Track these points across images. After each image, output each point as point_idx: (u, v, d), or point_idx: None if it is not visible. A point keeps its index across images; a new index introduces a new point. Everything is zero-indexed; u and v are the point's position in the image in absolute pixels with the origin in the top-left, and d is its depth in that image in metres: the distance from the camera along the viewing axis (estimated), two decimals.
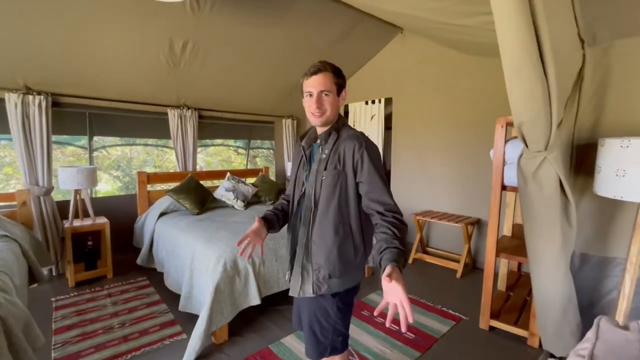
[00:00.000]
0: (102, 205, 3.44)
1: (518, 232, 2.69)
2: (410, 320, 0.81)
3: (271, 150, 5.39)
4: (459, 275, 3.22)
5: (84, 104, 3.24)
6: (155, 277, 3.00)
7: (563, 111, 1.60)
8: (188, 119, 3.87)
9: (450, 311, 2.54)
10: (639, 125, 1.67)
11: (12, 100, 2.75)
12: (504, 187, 2.17)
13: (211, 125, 4.32)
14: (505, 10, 1.19)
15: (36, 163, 2.90)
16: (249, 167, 5.09)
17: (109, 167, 4.69)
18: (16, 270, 1.94)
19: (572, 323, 1.71)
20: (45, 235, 2.99)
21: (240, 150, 5.58)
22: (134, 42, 2.83)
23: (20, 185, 3.21)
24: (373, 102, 4.29)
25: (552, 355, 1.84)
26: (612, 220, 1.76)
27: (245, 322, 2.31)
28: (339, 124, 1.25)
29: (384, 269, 0.94)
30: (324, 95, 1.17)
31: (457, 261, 3.36)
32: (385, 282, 0.88)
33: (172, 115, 3.77)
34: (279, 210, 1.39)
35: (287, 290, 1.30)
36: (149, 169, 4.99)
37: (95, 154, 3.73)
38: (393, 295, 0.86)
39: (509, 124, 2.13)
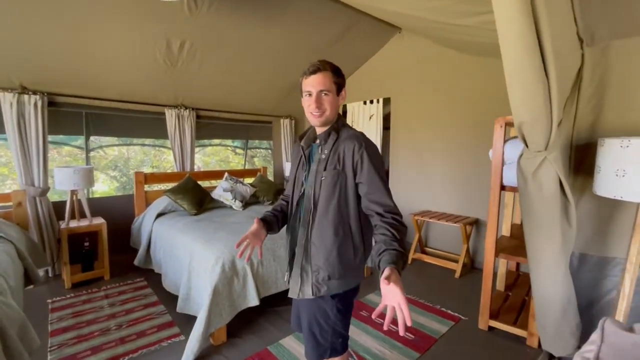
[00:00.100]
0: (99, 206, 3.41)
1: (517, 232, 2.69)
2: (409, 324, 0.81)
3: (269, 150, 5.38)
4: (457, 275, 3.22)
5: (81, 103, 3.21)
6: (152, 278, 2.98)
7: (562, 111, 1.59)
8: (186, 119, 3.85)
9: (449, 311, 2.53)
10: (638, 125, 1.67)
11: (8, 100, 2.72)
12: (503, 187, 2.17)
13: (209, 125, 4.30)
14: (506, 10, 1.18)
15: (32, 163, 2.87)
16: (247, 167, 5.07)
17: (106, 167, 4.65)
18: (11, 271, 1.92)
19: (571, 323, 1.71)
20: (41, 236, 2.96)
21: (238, 150, 5.55)
22: (131, 41, 2.81)
23: (15, 186, 3.18)
24: (371, 102, 4.28)
25: (551, 356, 1.84)
26: (611, 220, 1.76)
27: (243, 323, 2.30)
28: (339, 123, 1.24)
29: (383, 271, 0.93)
30: (323, 94, 1.16)
31: (456, 261, 3.36)
32: (383, 285, 0.87)
33: (170, 115, 3.75)
34: (278, 211, 1.38)
35: (286, 291, 1.29)
36: (147, 169, 4.95)
37: (92, 154, 3.70)
38: (391, 298, 0.85)
39: (508, 124, 2.13)
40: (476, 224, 3.42)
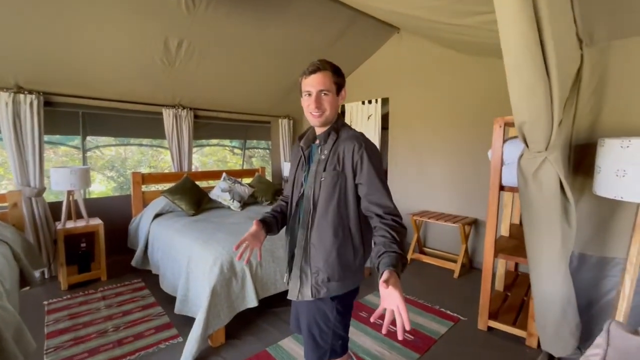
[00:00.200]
0: (96, 206, 3.38)
1: (515, 232, 2.70)
2: (407, 328, 0.79)
3: (267, 151, 5.36)
4: (456, 275, 3.22)
5: (77, 103, 3.18)
6: (150, 279, 2.96)
7: (562, 111, 1.59)
8: (183, 119, 3.83)
9: (448, 312, 2.53)
10: (637, 125, 1.67)
11: (3, 99, 2.69)
12: (502, 188, 2.17)
13: (207, 125, 4.28)
14: (509, 9, 1.17)
15: (28, 163, 2.85)
16: (245, 168, 5.05)
17: (103, 168, 4.62)
18: (7, 273, 1.90)
19: (571, 324, 1.71)
20: (37, 238, 2.94)
21: (236, 150, 5.53)
22: (129, 40, 2.79)
23: (11, 186, 3.15)
24: (370, 102, 4.28)
25: (551, 356, 1.84)
26: (610, 220, 1.76)
27: (242, 324, 2.28)
28: (339, 124, 1.23)
29: (382, 274, 0.92)
30: (323, 94, 1.15)
31: (454, 261, 3.36)
32: (382, 288, 0.86)
33: (167, 115, 3.73)
34: (278, 212, 1.36)
35: (285, 292, 1.28)
36: (144, 170, 4.93)
37: (88, 154, 3.67)
38: (390, 301, 0.84)
39: (507, 124, 2.13)
40: (475, 224, 3.42)
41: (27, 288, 2.53)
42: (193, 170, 4.11)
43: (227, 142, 5.38)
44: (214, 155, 5.65)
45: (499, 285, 2.74)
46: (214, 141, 5.16)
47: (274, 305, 2.50)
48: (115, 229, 3.41)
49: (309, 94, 1.15)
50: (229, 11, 2.80)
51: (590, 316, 1.83)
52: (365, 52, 4.21)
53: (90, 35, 2.63)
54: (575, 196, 1.79)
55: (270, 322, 2.34)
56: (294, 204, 1.28)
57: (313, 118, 1.18)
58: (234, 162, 5.65)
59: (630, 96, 1.69)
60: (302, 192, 1.24)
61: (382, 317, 0.85)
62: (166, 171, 4.42)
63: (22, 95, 2.76)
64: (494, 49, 1.41)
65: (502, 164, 2.15)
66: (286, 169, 4.96)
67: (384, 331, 0.83)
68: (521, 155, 1.68)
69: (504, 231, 2.73)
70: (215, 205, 3.55)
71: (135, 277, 3.09)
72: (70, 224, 2.96)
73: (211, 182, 4.07)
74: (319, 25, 3.34)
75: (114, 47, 2.82)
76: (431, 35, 3.17)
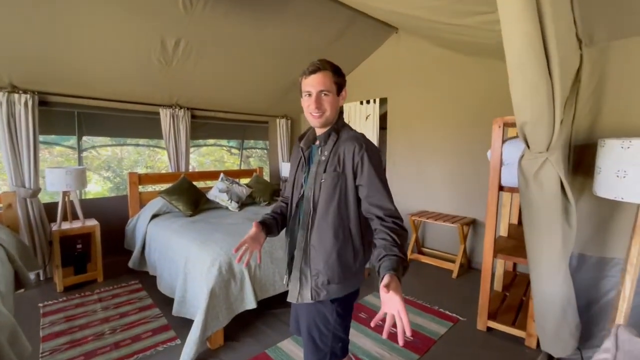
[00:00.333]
0: (92, 207, 3.35)
1: (514, 232, 2.70)
2: (408, 333, 0.79)
3: (265, 151, 5.34)
4: (454, 275, 3.22)
5: (73, 103, 3.15)
6: (147, 280, 2.93)
7: (563, 111, 1.59)
8: (180, 119, 3.80)
9: (447, 312, 2.53)
10: (637, 125, 1.67)
11: None
12: (501, 188, 2.17)
13: (204, 125, 4.25)
14: (512, 9, 1.17)
15: (22, 164, 2.81)
16: (242, 168, 5.03)
17: (99, 168, 4.58)
18: (1, 275, 1.87)
19: (571, 324, 1.71)
20: (32, 239, 2.90)
21: (233, 151, 5.51)
22: (125, 40, 2.76)
23: (5, 187, 3.10)
24: (368, 102, 4.27)
25: (550, 357, 1.84)
26: (609, 221, 1.76)
27: (241, 326, 2.26)
28: (339, 124, 1.22)
29: (382, 278, 0.91)
30: (323, 95, 1.13)
31: (453, 261, 3.36)
32: (382, 292, 0.85)
33: (164, 115, 3.70)
34: (278, 214, 1.35)
35: (284, 294, 1.27)
36: (141, 170, 4.89)
37: (84, 154, 3.64)
38: (391, 306, 0.83)
39: (507, 125, 2.13)
40: (473, 224, 3.42)
41: (22, 290, 2.49)
42: (190, 171, 4.08)
43: (224, 142, 5.36)
44: (211, 156, 5.62)
45: (498, 286, 2.74)
46: (211, 141, 5.13)
47: (273, 306, 2.48)
48: (112, 229, 3.38)
49: (309, 94, 1.14)
50: (226, 11, 2.78)
51: (589, 316, 1.83)
52: (363, 52, 4.20)
53: (86, 34, 2.60)
54: (575, 196, 1.79)
55: (269, 323, 2.33)
56: (293, 205, 1.26)
57: (313, 119, 1.16)
58: (232, 162, 5.62)
59: (629, 96, 1.69)
60: (302, 193, 1.23)
61: (382, 320, 0.84)
62: (163, 171, 4.39)
63: (16, 95, 2.73)
64: (493, 50, 1.41)
65: (501, 164, 2.15)
66: (284, 169, 4.94)
67: (384, 335, 0.82)
68: (522, 156, 1.68)
69: (503, 231, 2.73)
70: (213, 206, 3.52)
71: (132, 279, 3.06)
72: (66, 225, 2.93)
73: (209, 183, 4.05)
74: (317, 25, 3.33)
75: (110, 46, 2.78)
76: (431, 35, 3.16)
